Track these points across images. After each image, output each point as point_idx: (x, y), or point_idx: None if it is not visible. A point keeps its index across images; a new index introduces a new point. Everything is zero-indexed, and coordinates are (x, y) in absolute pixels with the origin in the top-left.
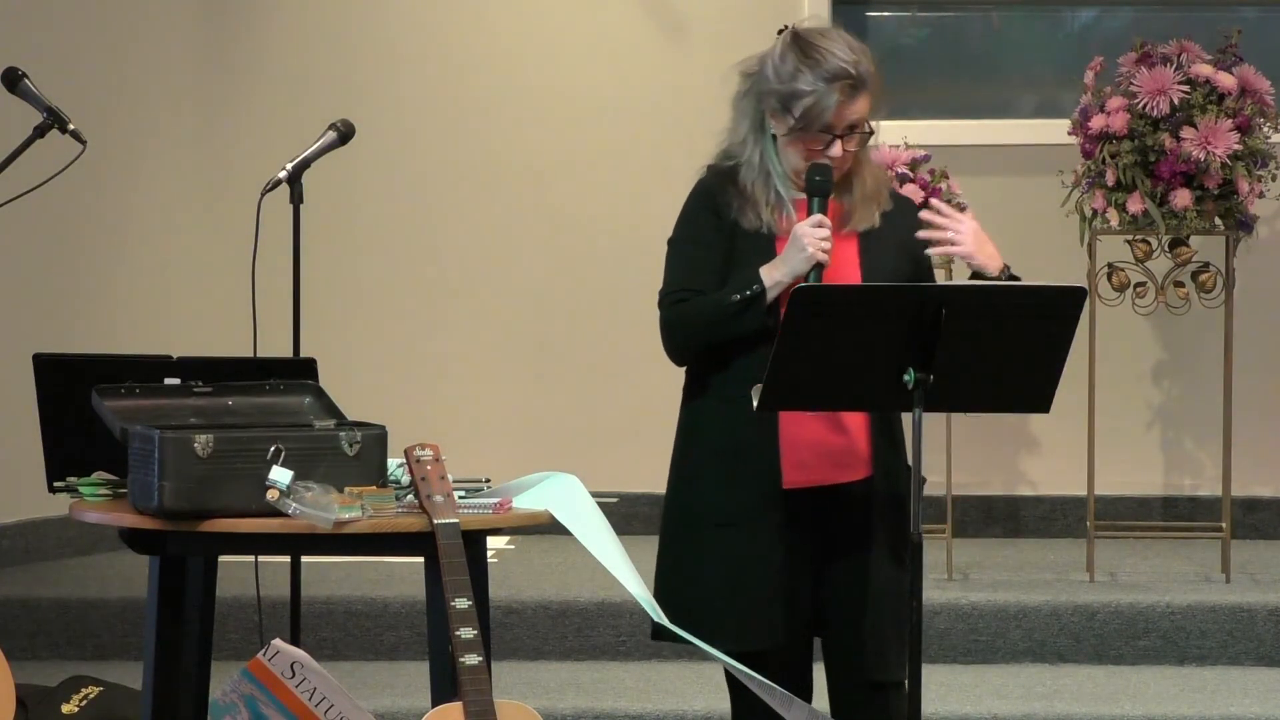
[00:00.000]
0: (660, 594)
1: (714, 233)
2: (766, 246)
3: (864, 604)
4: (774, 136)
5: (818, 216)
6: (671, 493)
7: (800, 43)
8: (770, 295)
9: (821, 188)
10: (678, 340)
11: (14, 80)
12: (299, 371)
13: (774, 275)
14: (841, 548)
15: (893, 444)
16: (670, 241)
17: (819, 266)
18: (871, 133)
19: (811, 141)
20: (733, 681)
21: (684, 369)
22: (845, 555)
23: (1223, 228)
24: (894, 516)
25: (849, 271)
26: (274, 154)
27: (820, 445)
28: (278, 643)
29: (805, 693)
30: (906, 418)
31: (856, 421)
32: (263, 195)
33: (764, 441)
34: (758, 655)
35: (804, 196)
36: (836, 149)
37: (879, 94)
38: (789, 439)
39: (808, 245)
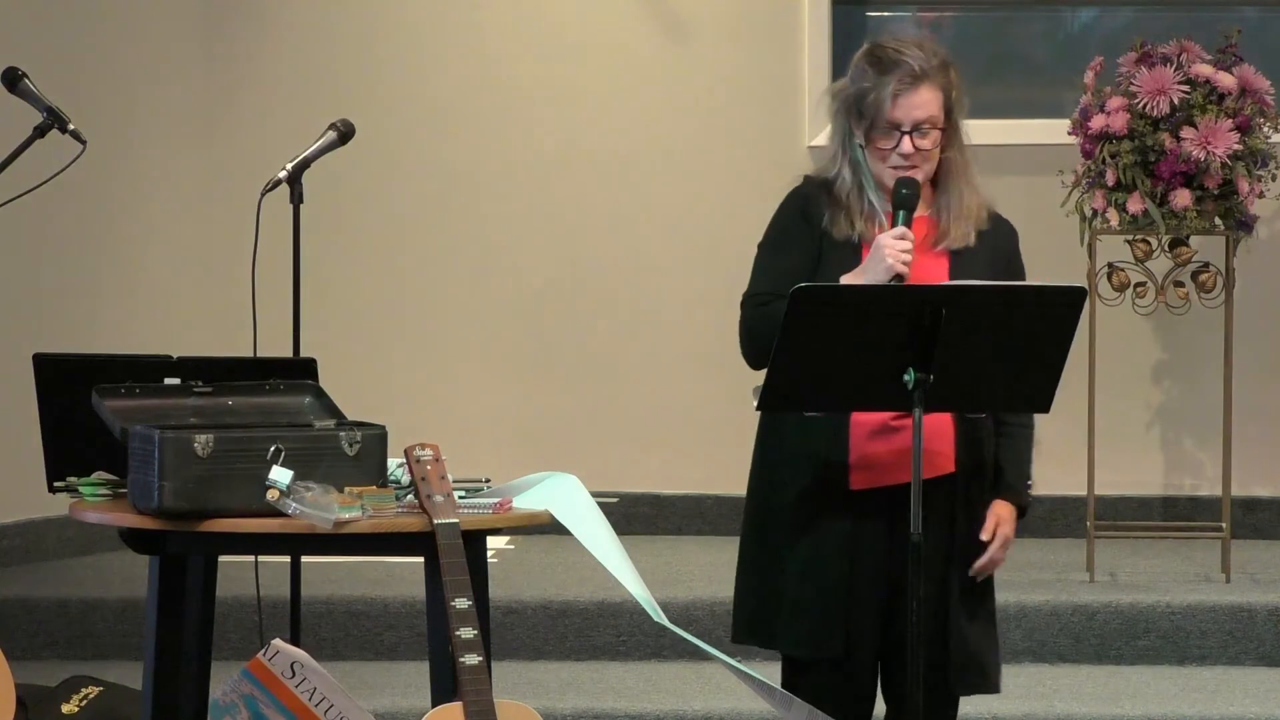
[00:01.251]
0: (739, 596)
1: (804, 238)
2: (852, 256)
3: (945, 617)
4: (862, 147)
5: (901, 229)
6: (750, 496)
7: (872, 48)
8: None
9: (907, 201)
10: (757, 342)
11: (14, 80)
12: (299, 371)
13: (854, 284)
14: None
15: (973, 442)
16: (760, 244)
17: (898, 278)
18: (944, 130)
19: (883, 140)
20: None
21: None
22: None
23: (1223, 228)
24: (967, 522)
25: None
26: (274, 154)
27: (894, 445)
28: (278, 643)
29: (868, 699)
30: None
31: (940, 417)
32: (263, 195)
33: (836, 446)
34: (823, 661)
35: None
36: (906, 145)
37: (956, 97)
38: (860, 441)
39: (888, 256)
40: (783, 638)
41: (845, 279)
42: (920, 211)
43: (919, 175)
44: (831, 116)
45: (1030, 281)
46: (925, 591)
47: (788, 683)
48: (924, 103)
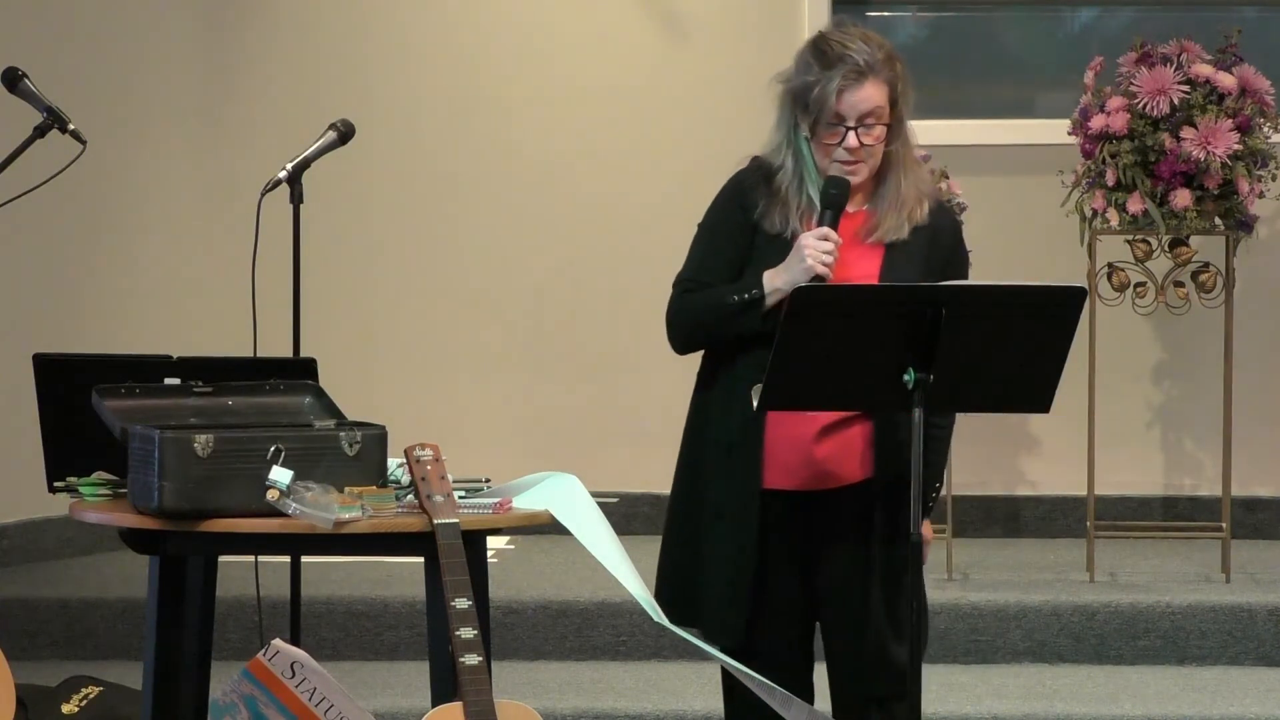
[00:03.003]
0: (660, 578)
1: (736, 228)
2: (783, 250)
3: (862, 616)
4: (808, 140)
5: (824, 229)
6: (675, 480)
7: (817, 40)
8: (769, 301)
9: (835, 201)
10: (678, 330)
11: (14, 80)
12: (299, 371)
13: (775, 282)
14: (835, 555)
15: (896, 448)
16: (699, 225)
17: (818, 278)
18: (890, 125)
19: (828, 136)
20: (728, 681)
21: (683, 360)
22: (840, 563)
23: (1223, 228)
24: (890, 525)
25: (868, 281)
26: (274, 154)
27: (808, 452)
28: (278, 643)
29: (804, 695)
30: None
31: (852, 425)
32: (263, 195)
33: (752, 440)
34: (744, 653)
35: None
36: (851, 140)
37: (902, 89)
38: (775, 441)
39: (808, 256)
40: (703, 622)
41: (767, 276)
42: (859, 205)
43: (864, 170)
44: (777, 105)
45: (1030, 281)
46: (847, 600)
47: (729, 710)
48: (869, 97)
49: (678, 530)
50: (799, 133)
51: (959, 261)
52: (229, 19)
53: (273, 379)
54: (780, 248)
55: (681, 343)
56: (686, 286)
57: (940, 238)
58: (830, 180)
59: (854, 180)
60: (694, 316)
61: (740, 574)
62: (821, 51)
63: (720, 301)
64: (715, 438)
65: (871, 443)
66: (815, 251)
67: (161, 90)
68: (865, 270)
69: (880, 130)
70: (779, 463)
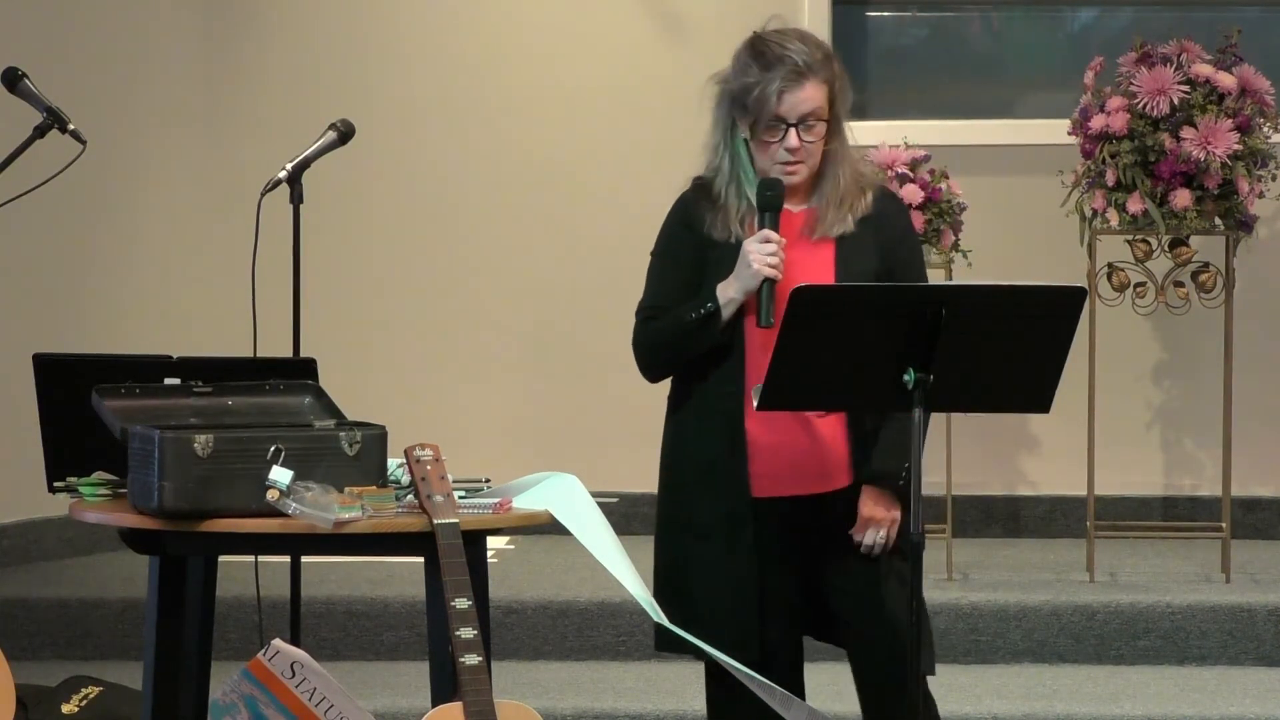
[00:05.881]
0: (660, 602)
1: (686, 248)
2: (733, 257)
3: (868, 609)
4: (746, 141)
5: (764, 232)
6: (659, 503)
7: (754, 41)
8: (726, 312)
9: (771, 203)
10: (644, 358)
11: (14, 80)
12: (299, 371)
13: (728, 292)
14: (829, 556)
15: (869, 453)
16: (651, 254)
17: (769, 282)
18: (828, 121)
19: (768, 134)
20: (711, 676)
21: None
22: (837, 563)
23: (1223, 228)
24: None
25: (823, 277)
26: (275, 154)
27: (791, 456)
28: (278, 643)
29: (796, 694)
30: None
31: (833, 430)
32: (263, 195)
33: (734, 453)
34: (754, 663)
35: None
36: (792, 139)
37: (840, 89)
38: (758, 450)
39: (753, 262)
40: (708, 642)
41: (720, 288)
42: (801, 204)
43: (803, 170)
44: (714, 108)
45: (1030, 281)
46: (847, 596)
47: (712, 691)
48: (810, 97)
49: (668, 556)
50: (736, 134)
51: (911, 244)
52: (229, 19)
53: (272, 379)
54: (730, 255)
55: (651, 369)
56: (647, 314)
57: (887, 222)
58: (764, 182)
59: (794, 180)
60: (657, 340)
61: (745, 589)
62: (760, 53)
63: (678, 321)
64: (695, 456)
65: (849, 448)
66: (759, 255)
67: (162, 90)
68: (816, 265)
69: (820, 129)
70: (765, 471)
